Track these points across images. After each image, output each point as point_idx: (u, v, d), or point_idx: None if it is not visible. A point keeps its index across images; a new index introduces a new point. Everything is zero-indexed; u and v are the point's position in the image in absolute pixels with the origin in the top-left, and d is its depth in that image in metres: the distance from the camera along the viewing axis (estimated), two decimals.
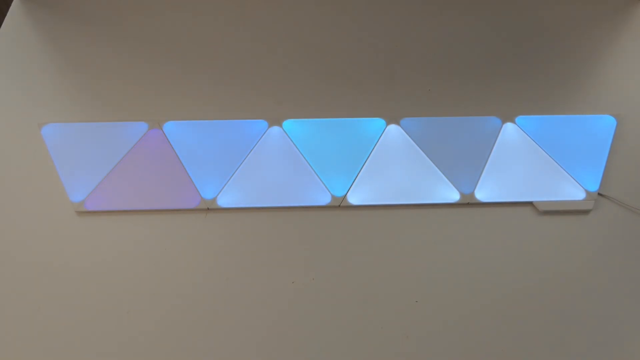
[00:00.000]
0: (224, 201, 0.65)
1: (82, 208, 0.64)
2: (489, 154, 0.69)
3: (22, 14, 0.81)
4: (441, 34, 0.81)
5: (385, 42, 0.80)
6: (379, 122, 0.71)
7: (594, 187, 0.67)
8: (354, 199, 0.66)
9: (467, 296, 0.61)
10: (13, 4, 0.82)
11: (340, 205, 0.66)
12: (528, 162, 0.68)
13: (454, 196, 0.66)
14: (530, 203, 0.66)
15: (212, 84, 0.75)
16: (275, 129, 0.70)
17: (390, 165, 0.68)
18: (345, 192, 0.66)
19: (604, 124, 0.71)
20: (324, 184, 0.66)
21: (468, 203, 0.66)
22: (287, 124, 0.70)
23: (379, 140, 0.69)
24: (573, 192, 0.67)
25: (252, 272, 0.61)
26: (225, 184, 0.66)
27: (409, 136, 0.70)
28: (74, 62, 0.77)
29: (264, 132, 0.69)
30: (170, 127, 0.70)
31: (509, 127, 0.71)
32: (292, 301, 0.60)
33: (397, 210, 0.66)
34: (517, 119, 0.71)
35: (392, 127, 0.70)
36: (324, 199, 0.66)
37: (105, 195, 0.65)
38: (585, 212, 0.66)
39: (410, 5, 0.84)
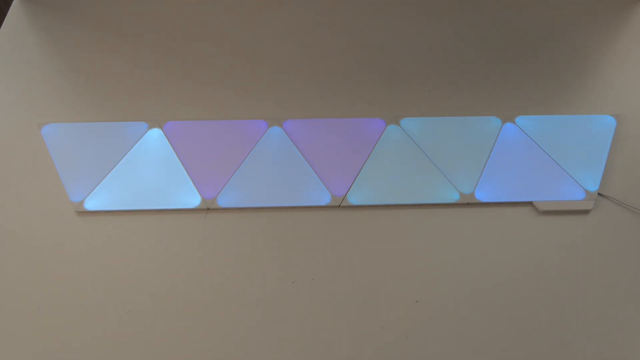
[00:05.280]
0: (224, 201, 0.65)
1: (82, 208, 0.64)
2: (489, 154, 0.69)
3: (22, 14, 0.81)
4: (441, 34, 0.81)
5: (385, 41, 0.80)
6: (380, 122, 0.71)
7: (594, 187, 0.67)
8: (354, 199, 0.66)
9: (467, 296, 0.61)
10: (13, 4, 0.82)
11: (340, 205, 0.66)
12: (528, 162, 0.68)
13: (454, 196, 0.66)
14: (530, 203, 0.66)
15: (212, 84, 0.75)
16: (275, 129, 0.70)
17: (390, 165, 0.68)
18: (345, 192, 0.66)
19: (604, 124, 0.71)
20: (324, 184, 0.66)
21: (468, 203, 0.66)
22: (287, 124, 0.70)
23: (379, 140, 0.69)
24: (573, 192, 0.67)
25: (252, 272, 0.61)
26: (225, 184, 0.66)
27: (409, 136, 0.70)
28: (74, 62, 0.77)
29: (264, 132, 0.69)
30: (170, 127, 0.70)
31: (509, 127, 0.71)
32: (292, 301, 0.60)
33: (397, 210, 0.66)
34: (517, 119, 0.71)
35: (392, 127, 0.70)
36: (324, 199, 0.66)
37: (105, 195, 0.65)
38: (585, 212, 0.66)
39: (410, 5, 0.84)
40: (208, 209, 0.65)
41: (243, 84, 0.75)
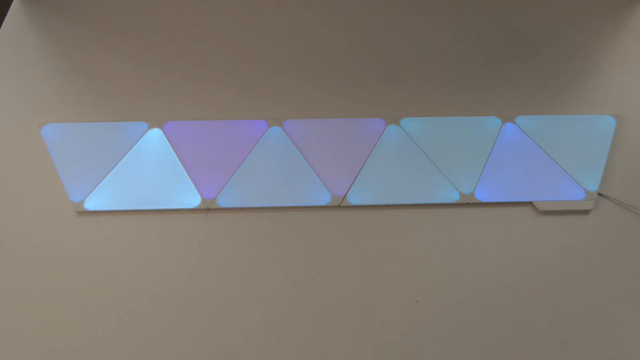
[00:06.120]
0: (224, 201, 0.65)
1: (82, 208, 0.64)
2: (489, 154, 0.69)
3: (22, 14, 0.81)
4: (441, 34, 0.81)
5: (385, 42, 0.80)
6: (380, 122, 0.71)
7: (594, 187, 0.67)
8: (354, 199, 0.66)
9: (467, 296, 0.61)
10: (13, 4, 0.82)
11: (340, 205, 0.66)
12: (528, 162, 0.68)
13: (454, 196, 0.66)
14: (530, 203, 0.66)
15: (212, 84, 0.75)
16: (275, 129, 0.70)
17: (390, 165, 0.68)
18: (345, 192, 0.66)
19: (604, 124, 0.71)
20: (324, 184, 0.66)
21: (468, 203, 0.66)
22: (287, 124, 0.70)
23: (379, 140, 0.69)
24: (573, 192, 0.67)
25: (252, 272, 0.61)
26: (225, 184, 0.66)
27: (409, 136, 0.70)
28: (74, 62, 0.77)
29: (264, 132, 0.69)
30: (170, 127, 0.70)
31: (509, 127, 0.71)
32: (292, 301, 0.60)
33: (397, 210, 0.66)
34: (517, 119, 0.71)
35: (392, 127, 0.70)
36: (324, 199, 0.66)
37: (105, 195, 0.65)
38: (585, 212, 0.66)
39: (410, 5, 0.84)
40: (208, 209, 0.65)
41: (243, 84, 0.75)
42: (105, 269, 0.61)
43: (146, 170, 0.67)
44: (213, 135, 0.69)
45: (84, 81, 0.75)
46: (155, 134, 0.69)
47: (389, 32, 0.81)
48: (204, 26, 0.81)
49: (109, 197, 0.65)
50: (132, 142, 0.68)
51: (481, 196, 0.66)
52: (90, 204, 0.65)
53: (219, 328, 0.58)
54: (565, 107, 0.74)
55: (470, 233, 0.64)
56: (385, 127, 0.70)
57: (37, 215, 0.64)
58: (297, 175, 0.67)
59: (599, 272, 0.62)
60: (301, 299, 0.60)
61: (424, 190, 0.67)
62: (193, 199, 0.65)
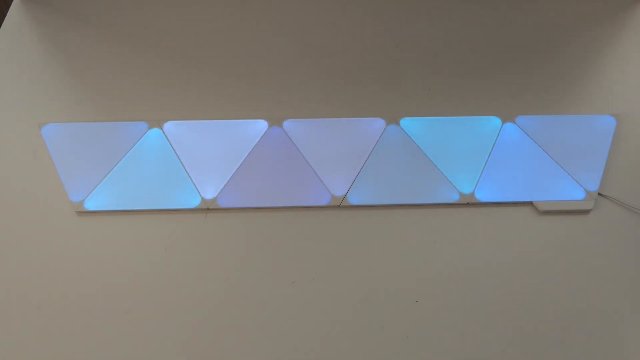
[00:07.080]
0: (224, 201, 0.65)
1: (82, 208, 0.64)
2: (489, 154, 0.69)
3: (22, 14, 0.81)
4: (441, 34, 0.81)
5: (385, 41, 0.80)
6: (380, 122, 0.71)
7: (594, 187, 0.67)
8: (354, 199, 0.66)
9: (467, 296, 0.61)
10: (13, 4, 0.82)
11: (340, 205, 0.66)
12: (528, 162, 0.68)
13: (454, 196, 0.66)
14: (530, 203, 0.66)
15: (212, 84, 0.75)
16: (275, 129, 0.70)
17: (390, 165, 0.68)
18: (345, 192, 0.66)
19: (604, 124, 0.71)
20: (324, 184, 0.66)
21: (468, 203, 0.66)
22: (287, 124, 0.70)
23: (379, 140, 0.69)
24: (573, 192, 0.67)
25: (252, 272, 0.61)
26: (225, 184, 0.66)
27: (409, 136, 0.70)
28: (74, 62, 0.77)
29: (264, 132, 0.69)
30: (170, 127, 0.70)
31: (509, 127, 0.71)
32: (292, 301, 0.60)
33: (397, 210, 0.66)
34: (517, 119, 0.71)
35: (392, 127, 0.70)
36: (324, 199, 0.66)
37: (105, 195, 0.65)
38: (585, 212, 0.66)
39: (411, 4, 0.84)
40: (208, 209, 0.65)
41: (243, 84, 0.75)
42: (105, 269, 0.61)
43: (146, 170, 0.67)
44: (213, 135, 0.69)
45: (84, 81, 0.75)
46: (155, 134, 0.69)
47: (389, 32, 0.81)
48: (204, 26, 0.81)
49: (109, 197, 0.65)
50: (132, 142, 0.68)
51: (481, 196, 0.66)
52: (90, 204, 0.65)
53: (219, 328, 0.58)
54: (565, 107, 0.74)
55: (470, 233, 0.64)
56: (385, 127, 0.70)
57: (37, 215, 0.64)
58: (297, 175, 0.67)
59: (599, 272, 0.62)
60: (301, 299, 0.60)
61: (424, 190, 0.67)
62: (193, 199, 0.65)
